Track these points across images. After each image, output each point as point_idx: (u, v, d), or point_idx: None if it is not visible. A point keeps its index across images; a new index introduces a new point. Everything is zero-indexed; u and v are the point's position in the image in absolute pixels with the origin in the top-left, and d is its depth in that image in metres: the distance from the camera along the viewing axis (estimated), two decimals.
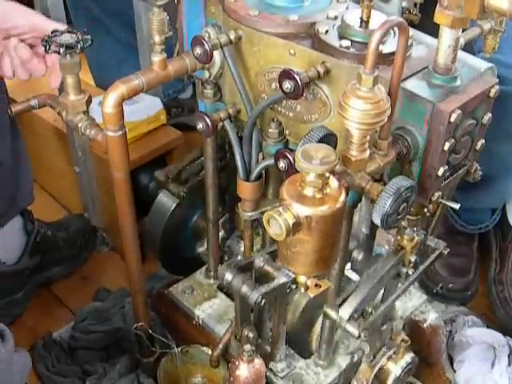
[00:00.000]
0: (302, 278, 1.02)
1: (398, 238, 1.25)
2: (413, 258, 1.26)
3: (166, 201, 1.58)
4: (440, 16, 1.00)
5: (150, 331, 1.53)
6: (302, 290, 1.03)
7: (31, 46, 1.37)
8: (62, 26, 1.33)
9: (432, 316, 1.61)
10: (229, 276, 1.20)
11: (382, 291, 1.32)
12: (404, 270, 1.27)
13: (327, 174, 0.90)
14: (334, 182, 0.92)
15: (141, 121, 1.91)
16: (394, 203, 0.98)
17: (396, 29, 0.99)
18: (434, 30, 1.05)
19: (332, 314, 1.20)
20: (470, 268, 1.96)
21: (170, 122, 2.09)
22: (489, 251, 2.06)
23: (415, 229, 1.24)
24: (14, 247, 1.85)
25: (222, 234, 1.63)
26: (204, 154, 1.42)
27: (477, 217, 2.00)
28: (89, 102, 1.32)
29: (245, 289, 1.19)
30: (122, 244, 1.41)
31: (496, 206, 1.99)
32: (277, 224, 0.89)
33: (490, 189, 1.81)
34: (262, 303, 1.21)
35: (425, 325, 1.60)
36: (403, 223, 1.23)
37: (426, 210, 1.18)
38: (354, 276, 1.46)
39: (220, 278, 1.21)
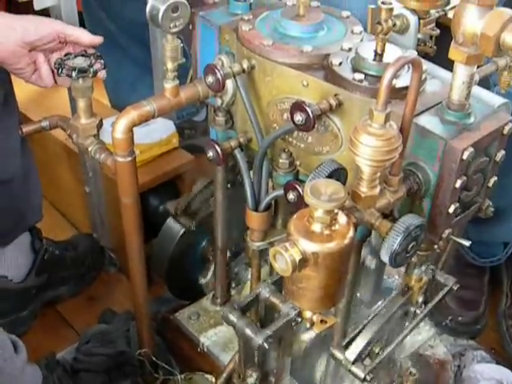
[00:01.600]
0: (307, 314, 1.01)
1: (406, 278, 1.23)
2: (420, 299, 1.24)
3: (175, 226, 1.57)
4: (455, 52, 0.99)
5: (154, 358, 1.52)
6: (308, 325, 1.02)
7: (53, 51, 1.40)
8: (83, 30, 1.38)
9: (440, 351, 1.59)
10: (233, 318, 1.18)
11: None
12: (412, 309, 1.25)
13: (336, 210, 0.88)
14: (342, 218, 0.90)
15: (153, 143, 1.91)
16: (403, 242, 0.97)
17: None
18: (449, 62, 1.04)
19: (338, 354, 1.18)
20: (480, 301, 1.94)
21: (183, 144, 2.08)
22: (500, 284, 2.04)
23: (423, 267, 1.22)
24: (21, 265, 1.84)
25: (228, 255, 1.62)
26: (214, 182, 1.42)
27: (488, 250, 1.98)
28: (99, 125, 1.32)
29: (248, 332, 1.17)
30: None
31: (508, 239, 1.97)
32: (283, 259, 0.87)
33: (502, 222, 1.79)
34: (267, 347, 1.20)
35: (433, 359, 1.58)
36: (413, 259, 1.22)
37: (436, 246, 1.17)
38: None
39: (224, 320, 1.19)
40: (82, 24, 1.78)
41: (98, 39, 1.41)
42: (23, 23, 1.35)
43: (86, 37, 1.40)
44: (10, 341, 1.34)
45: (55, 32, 1.36)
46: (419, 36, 1.28)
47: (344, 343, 1.18)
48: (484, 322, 1.91)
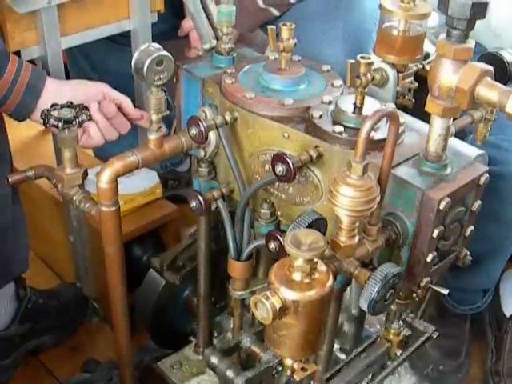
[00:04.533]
0: (288, 361, 1.01)
1: (385, 331, 1.25)
2: (399, 352, 1.26)
3: (158, 276, 1.58)
4: (431, 105, 1.02)
5: None
6: (288, 372, 1.03)
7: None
8: (127, 99, 1.54)
9: None
10: (214, 360, 1.20)
11: None
12: (389, 362, 1.27)
13: (315, 260, 0.90)
14: (322, 267, 0.92)
15: (136, 194, 1.92)
16: (381, 290, 0.98)
17: None
18: (427, 114, 1.07)
19: None
20: (461, 350, 1.95)
21: (167, 194, 2.10)
22: (481, 333, 2.05)
23: (402, 318, 1.24)
24: (5, 313, 1.84)
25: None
26: (197, 231, 1.43)
27: (468, 297, 1.99)
28: (84, 175, 1.34)
29: (230, 374, 1.18)
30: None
31: (486, 287, 1.99)
32: (264, 308, 0.89)
33: (479, 269, 1.81)
34: None
35: None
36: (393, 307, 1.24)
37: (414, 295, 1.19)
38: (343, 357, 1.46)
39: (206, 362, 1.21)
40: (67, 75, 1.80)
41: (140, 114, 1.57)
42: (72, 87, 1.50)
43: (129, 106, 1.56)
44: None
45: (102, 92, 1.49)
46: (398, 89, 1.31)
47: (325, 378, 1.19)
48: (465, 371, 1.93)
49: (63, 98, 1.38)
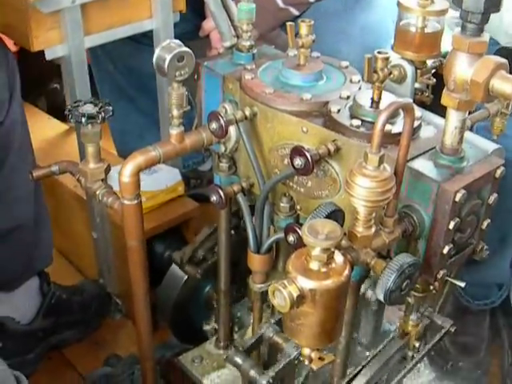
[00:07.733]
0: (306, 351, 1.03)
1: (403, 323, 1.26)
2: (417, 344, 1.26)
3: (179, 272, 1.60)
4: (447, 98, 1.04)
5: None
6: (306, 362, 1.05)
7: None
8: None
9: None
10: (238, 360, 1.21)
11: None
12: (410, 353, 1.28)
13: (332, 249, 0.92)
14: (338, 257, 0.94)
15: (159, 191, 1.94)
16: (397, 279, 1.00)
17: None
18: (446, 110, 1.08)
19: None
20: (480, 347, 1.95)
21: (189, 193, 2.12)
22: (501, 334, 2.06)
23: (422, 310, 1.25)
24: (29, 307, 1.88)
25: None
26: (218, 226, 1.45)
27: (482, 292, 1.99)
28: (107, 170, 1.36)
29: (253, 373, 1.20)
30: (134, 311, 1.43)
31: (499, 280, 1.99)
32: (281, 296, 0.91)
33: (488, 262, 1.80)
34: None
35: None
36: (410, 300, 1.25)
37: (431, 287, 1.20)
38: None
39: (229, 362, 1.22)
40: (90, 76, 1.83)
41: None
42: None
43: None
44: (13, 376, 1.36)
45: None
46: (416, 85, 1.33)
47: (344, 382, 1.21)
48: (485, 368, 1.93)
49: None
